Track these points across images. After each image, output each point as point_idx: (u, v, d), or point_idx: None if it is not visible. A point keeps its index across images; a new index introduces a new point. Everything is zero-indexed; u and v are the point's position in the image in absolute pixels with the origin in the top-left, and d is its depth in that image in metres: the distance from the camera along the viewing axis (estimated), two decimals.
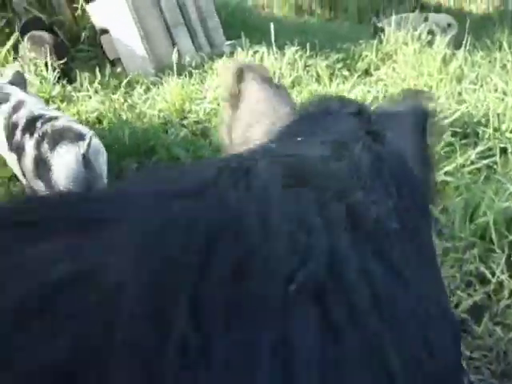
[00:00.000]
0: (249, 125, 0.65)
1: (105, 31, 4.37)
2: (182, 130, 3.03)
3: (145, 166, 2.79)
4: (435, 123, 0.62)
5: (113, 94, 3.65)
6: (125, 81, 3.56)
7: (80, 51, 4.36)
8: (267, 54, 4.35)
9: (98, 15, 4.38)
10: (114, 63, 4.41)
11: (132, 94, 3.58)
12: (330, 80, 3.60)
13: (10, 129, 2.29)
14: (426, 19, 5.59)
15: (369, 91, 3.55)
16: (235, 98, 0.67)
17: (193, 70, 4.02)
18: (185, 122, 3.13)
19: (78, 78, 3.88)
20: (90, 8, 4.38)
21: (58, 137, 2.15)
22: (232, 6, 6.65)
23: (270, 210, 0.34)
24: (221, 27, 5.58)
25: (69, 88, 3.57)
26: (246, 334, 0.27)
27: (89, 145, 2.09)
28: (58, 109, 3.20)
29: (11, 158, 2.33)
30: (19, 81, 2.51)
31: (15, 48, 4.03)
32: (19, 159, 2.26)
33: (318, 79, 3.89)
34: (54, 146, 2.16)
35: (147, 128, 3.02)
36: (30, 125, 2.22)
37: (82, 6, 4.38)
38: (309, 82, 3.68)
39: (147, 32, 4.43)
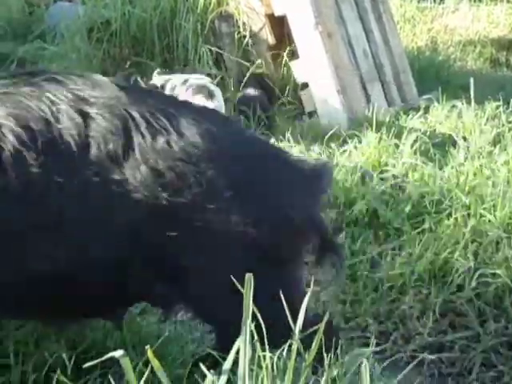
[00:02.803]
0: None
1: (305, 85, 4.66)
2: (380, 184, 3.09)
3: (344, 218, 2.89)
4: None
5: (310, 145, 3.86)
6: (329, 134, 3.73)
7: (282, 104, 4.68)
8: (466, 109, 4.27)
9: (299, 71, 4.69)
10: (311, 115, 4.65)
11: (330, 146, 3.74)
12: None
13: None
14: None
15: None
16: None
17: (388, 124, 4.09)
18: (383, 176, 3.19)
19: (279, 130, 4.18)
20: (293, 64, 4.72)
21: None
22: (423, 60, 6.64)
23: None
24: (413, 81, 5.60)
25: (272, 139, 3.84)
26: None
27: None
28: None
29: None
30: None
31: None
32: None
33: None
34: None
35: (346, 179, 3.13)
36: None
37: (285, 62, 4.71)
38: None
39: (343, 87, 4.62)
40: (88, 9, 5.18)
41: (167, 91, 4.07)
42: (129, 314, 2.10)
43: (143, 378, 1.16)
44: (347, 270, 2.68)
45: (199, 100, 3.75)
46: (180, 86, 3.98)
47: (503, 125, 3.80)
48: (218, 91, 3.93)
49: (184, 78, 4.08)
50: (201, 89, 3.82)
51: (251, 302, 1.42)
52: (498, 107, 4.31)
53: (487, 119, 4.16)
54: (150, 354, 1.20)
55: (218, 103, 3.85)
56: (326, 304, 2.53)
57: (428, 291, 2.39)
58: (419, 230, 2.70)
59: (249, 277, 1.44)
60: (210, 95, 3.82)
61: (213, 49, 4.71)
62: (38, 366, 1.74)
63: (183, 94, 3.88)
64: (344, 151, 3.69)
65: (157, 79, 4.20)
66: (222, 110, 3.87)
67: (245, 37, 4.76)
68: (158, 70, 4.32)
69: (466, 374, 2.15)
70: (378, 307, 2.43)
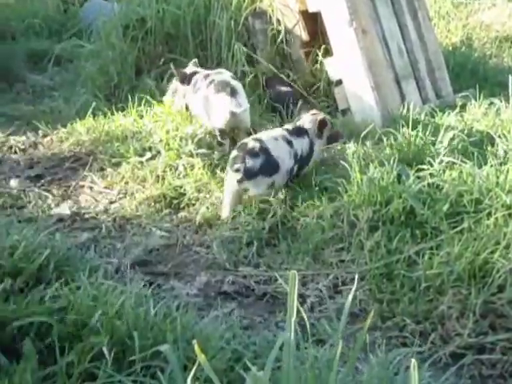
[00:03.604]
0: None
1: (339, 82, 4.63)
2: (417, 182, 3.05)
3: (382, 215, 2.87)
4: None
5: (345, 142, 3.83)
6: (364, 131, 3.70)
7: (316, 101, 4.66)
8: (504, 106, 4.18)
9: (333, 68, 4.65)
10: (345, 113, 4.62)
11: (365, 144, 3.71)
12: None
13: None
14: None
15: None
16: None
17: (424, 122, 4.03)
18: (419, 174, 3.14)
19: None
20: (326, 61, 4.69)
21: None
22: (459, 56, 6.52)
23: None
24: (448, 78, 5.50)
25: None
26: None
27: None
28: None
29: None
30: None
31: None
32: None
33: None
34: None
35: (383, 178, 3.10)
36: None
37: (319, 60, 4.68)
38: None
39: (378, 84, 4.56)
40: (123, 6, 5.24)
41: (192, 84, 4.08)
42: (168, 309, 2.13)
43: (191, 372, 1.17)
44: (384, 268, 2.66)
45: (223, 98, 3.75)
46: (201, 80, 3.99)
47: None
48: (239, 86, 3.91)
49: (206, 72, 4.09)
50: (223, 86, 3.80)
51: (296, 299, 1.41)
52: None
53: None
54: (197, 348, 1.21)
55: (241, 100, 3.79)
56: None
57: (468, 292, 2.36)
58: (458, 229, 2.67)
59: (293, 273, 1.44)
60: (233, 92, 3.76)
61: (245, 49, 4.71)
62: (81, 358, 1.77)
63: (204, 90, 3.89)
64: (379, 149, 3.66)
65: (189, 68, 4.24)
66: (245, 106, 3.80)
67: (279, 33, 4.75)
68: (195, 60, 4.35)
69: (508, 376, 2.11)
70: (416, 307, 2.41)
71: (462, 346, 2.20)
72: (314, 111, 3.71)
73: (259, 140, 3.27)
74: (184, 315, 2.11)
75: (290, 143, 3.35)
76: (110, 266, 2.68)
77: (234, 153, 3.24)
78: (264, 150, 3.21)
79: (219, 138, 3.81)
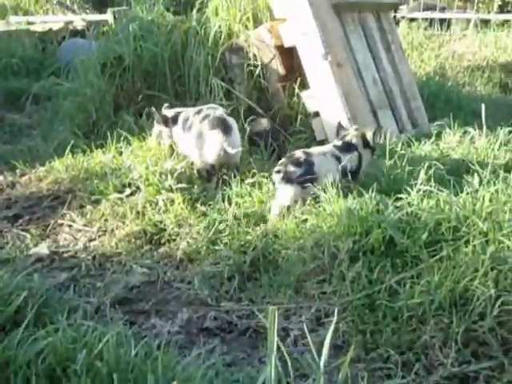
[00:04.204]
0: None
1: (316, 114, 4.69)
2: (396, 212, 3.07)
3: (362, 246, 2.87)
4: None
5: None
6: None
7: (292, 133, 4.71)
8: (478, 134, 4.27)
9: (310, 100, 4.73)
10: (322, 144, 4.67)
11: None
12: None
13: None
14: None
15: None
16: None
17: (401, 151, 4.10)
18: (398, 204, 3.17)
19: None
20: (303, 94, 4.76)
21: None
22: (433, 86, 6.67)
23: None
24: (423, 108, 5.62)
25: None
26: None
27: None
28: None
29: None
30: None
31: None
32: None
33: None
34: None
35: (362, 208, 3.12)
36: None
37: (296, 92, 4.76)
38: None
39: (354, 115, 4.64)
40: (101, 45, 5.29)
41: (179, 123, 4.11)
42: (149, 348, 2.10)
43: None
44: (365, 299, 2.66)
45: (217, 135, 3.78)
46: (193, 115, 4.01)
47: None
48: (233, 122, 3.96)
49: (197, 109, 4.12)
50: (218, 122, 3.82)
51: (275, 335, 1.41)
52: (510, 132, 4.31)
53: (500, 144, 4.16)
54: None
55: (234, 138, 3.85)
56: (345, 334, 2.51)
57: (449, 320, 2.36)
58: (437, 257, 2.68)
59: (272, 309, 1.44)
60: (227, 129, 3.81)
61: (223, 83, 4.77)
62: None
63: (197, 125, 3.91)
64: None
65: (168, 111, 4.27)
66: (238, 142, 3.89)
67: (256, 68, 4.82)
68: (167, 104, 4.38)
69: None
70: (399, 337, 2.41)
71: (446, 375, 2.19)
72: (357, 126, 3.94)
73: (307, 153, 3.51)
74: (165, 354, 2.08)
75: (338, 159, 3.55)
76: (89, 305, 2.64)
77: (282, 160, 3.51)
78: (307, 162, 3.43)
79: (205, 174, 3.84)
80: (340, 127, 3.88)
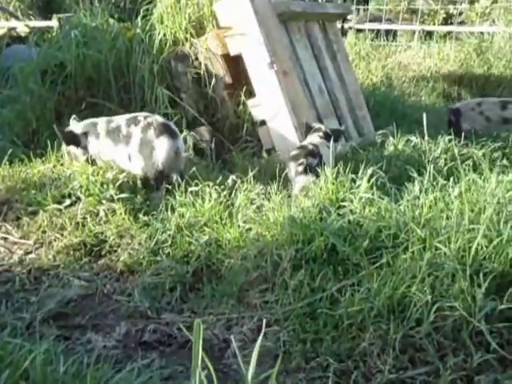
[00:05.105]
0: None
1: (263, 123, 4.69)
2: (338, 220, 3.08)
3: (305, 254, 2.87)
4: None
5: (270, 181, 3.85)
6: (286, 171, 3.75)
7: (239, 142, 4.69)
8: (420, 143, 4.35)
9: (256, 109, 4.72)
10: (270, 152, 4.67)
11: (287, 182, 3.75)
12: (490, 170, 3.48)
13: None
14: None
15: None
16: None
17: (345, 159, 4.13)
18: (340, 212, 3.18)
19: (238, 168, 4.19)
20: (249, 103, 4.75)
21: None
22: (379, 95, 6.79)
23: None
24: (369, 117, 5.71)
25: (232, 177, 3.81)
26: None
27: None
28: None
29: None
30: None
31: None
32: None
33: (475, 169, 3.78)
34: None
35: (305, 216, 3.12)
36: None
37: (243, 101, 4.75)
38: (466, 172, 3.58)
39: (300, 123, 4.66)
40: (42, 51, 5.14)
41: (102, 135, 3.97)
42: (80, 365, 2.02)
43: None
44: (307, 307, 2.64)
45: (166, 140, 3.74)
46: (127, 126, 3.88)
47: (456, 158, 3.86)
48: (176, 128, 3.93)
49: (127, 119, 3.96)
50: (164, 128, 3.78)
51: (200, 349, 1.36)
52: (450, 141, 4.41)
53: (440, 152, 4.25)
54: None
55: (180, 141, 3.87)
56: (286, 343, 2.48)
57: (387, 327, 2.37)
58: (377, 264, 2.70)
59: (198, 323, 1.39)
60: (173, 134, 3.80)
61: (168, 92, 4.71)
62: None
63: (139, 134, 3.81)
64: (303, 187, 3.69)
65: (76, 126, 4.11)
66: (183, 148, 3.88)
67: (202, 76, 4.78)
68: (75, 116, 4.22)
69: None
70: (339, 345, 2.40)
71: (384, 382, 2.19)
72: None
73: (315, 145, 3.89)
74: (97, 370, 2.00)
75: (328, 148, 3.87)
76: (20, 322, 2.53)
77: (295, 151, 3.86)
78: (318, 154, 3.80)
79: (154, 182, 3.77)
80: (308, 125, 4.25)
